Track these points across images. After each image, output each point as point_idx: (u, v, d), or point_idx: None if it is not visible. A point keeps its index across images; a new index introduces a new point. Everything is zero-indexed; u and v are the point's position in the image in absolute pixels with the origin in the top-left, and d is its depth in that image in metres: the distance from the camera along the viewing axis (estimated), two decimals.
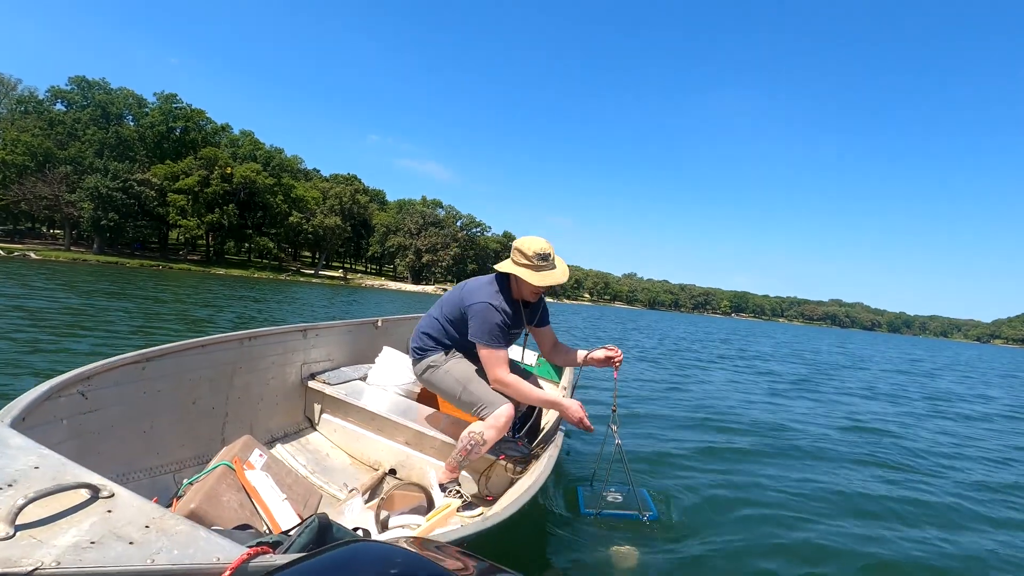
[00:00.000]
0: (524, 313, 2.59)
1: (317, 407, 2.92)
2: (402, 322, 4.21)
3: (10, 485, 0.92)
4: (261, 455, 2.07)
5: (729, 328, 46.67)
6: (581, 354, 2.71)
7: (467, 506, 2.35)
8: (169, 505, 1.76)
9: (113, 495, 0.94)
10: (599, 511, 2.68)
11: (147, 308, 11.00)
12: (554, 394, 2.51)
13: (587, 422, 2.40)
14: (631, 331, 24.11)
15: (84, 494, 0.93)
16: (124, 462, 1.82)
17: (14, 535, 0.81)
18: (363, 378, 3.10)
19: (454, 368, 2.50)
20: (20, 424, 1.22)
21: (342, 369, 3.17)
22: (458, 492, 2.41)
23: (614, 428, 2.54)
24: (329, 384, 2.88)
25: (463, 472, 2.49)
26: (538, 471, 1.99)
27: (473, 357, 2.54)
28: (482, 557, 0.79)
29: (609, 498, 2.78)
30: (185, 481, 1.87)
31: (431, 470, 2.49)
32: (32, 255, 34.02)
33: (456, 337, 2.54)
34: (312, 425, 2.94)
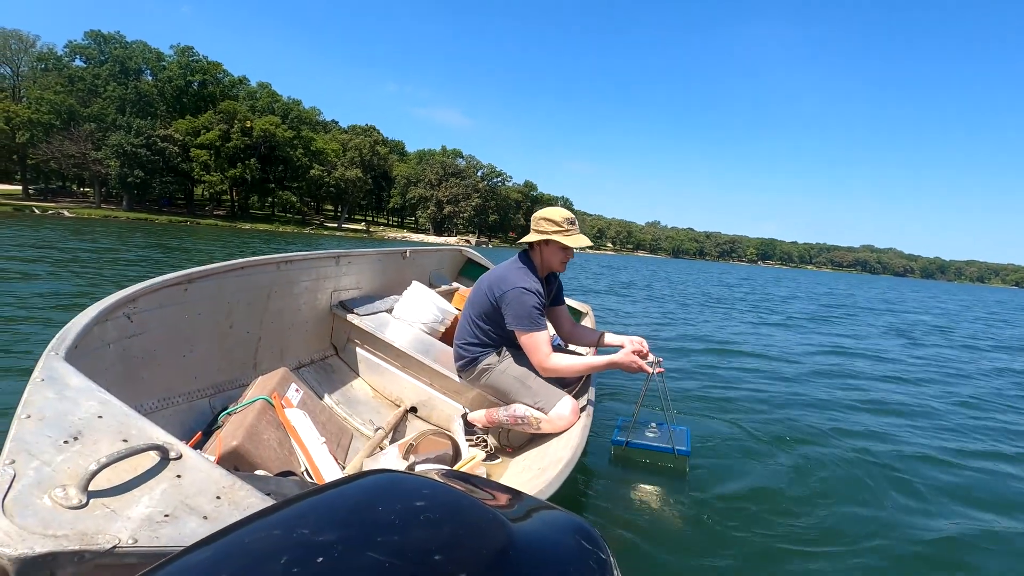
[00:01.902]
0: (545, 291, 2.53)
1: (344, 336, 2.99)
2: (428, 253, 4.33)
3: (75, 438, 0.89)
4: (297, 390, 2.14)
5: (740, 276, 45.88)
6: (616, 339, 2.62)
7: (489, 456, 2.43)
8: (209, 434, 1.84)
9: (181, 456, 0.93)
10: (629, 440, 2.67)
11: (197, 257, 11.30)
12: (600, 356, 2.46)
13: (645, 366, 2.35)
14: (659, 280, 23.84)
15: (154, 456, 0.91)
16: (165, 387, 1.85)
17: (87, 503, 0.78)
18: (389, 310, 3.17)
19: (511, 367, 2.44)
20: (73, 354, 1.19)
21: (370, 298, 3.23)
22: (484, 441, 2.49)
23: (658, 361, 2.43)
24: (357, 314, 2.93)
25: None
26: (574, 442, 1.99)
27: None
28: (525, 492, 0.77)
29: (647, 432, 2.75)
30: (223, 411, 1.94)
31: (457, 418, 2.56)
32: (65, 212, 34.90)
33: (499, 334, 2.47)
34: (337, 353, 3.02)
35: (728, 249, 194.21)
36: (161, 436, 0.95)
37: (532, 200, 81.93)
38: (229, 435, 1.72)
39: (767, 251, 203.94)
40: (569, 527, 0.65)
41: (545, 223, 2.41)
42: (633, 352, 2.40)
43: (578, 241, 2.43)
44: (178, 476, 0.89)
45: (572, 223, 2.42)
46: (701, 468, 2.78)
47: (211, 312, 2.09)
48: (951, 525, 2.43)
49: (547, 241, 2.42)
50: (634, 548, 2.06)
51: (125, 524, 0.78)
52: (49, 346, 1.16)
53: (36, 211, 33.92)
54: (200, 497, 0.87)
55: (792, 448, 3.18)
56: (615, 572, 0.61)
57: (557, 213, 2.42)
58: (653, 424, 2.81)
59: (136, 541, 0.76)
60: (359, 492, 0.61)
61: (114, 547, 0.74)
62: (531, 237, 2.45)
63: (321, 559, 0.47)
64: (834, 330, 9.83)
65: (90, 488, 0.80)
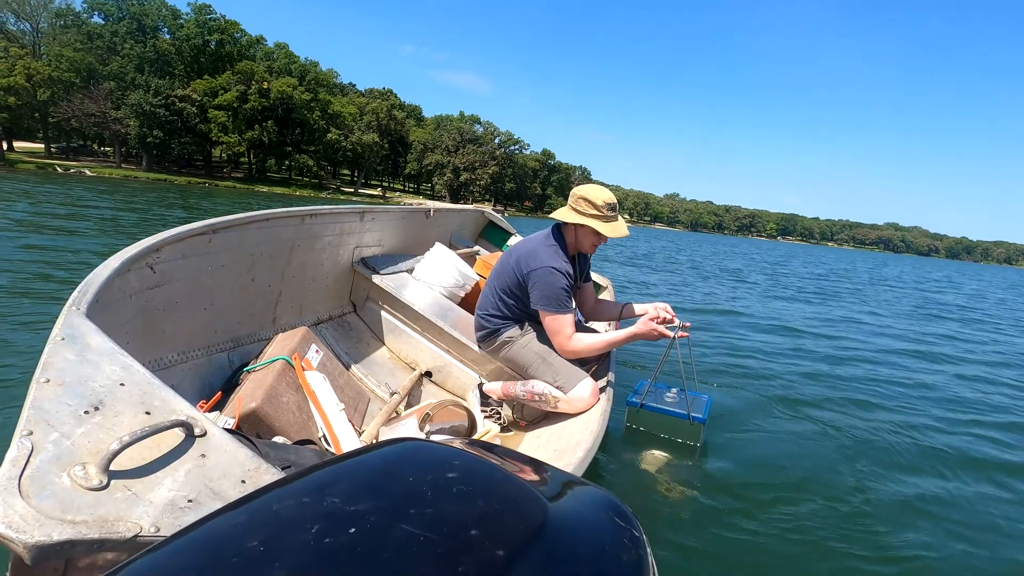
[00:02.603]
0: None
1: (363, 293, 2.98)
2: (451, 213, 4.29)
3: (96, 408, 0.84)
4: (318, 351, 2.13)
5: (751, 251, 45.18)
6: (639, 307, 2.50)
7: (503, 429, 2.41)
8: (228, 391, 1.84)
9: (205, 433, 0.89)
10: (644, 403, 2.63)
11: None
12: (620, 330, 2.37)
13: (666, 331, 2.24)
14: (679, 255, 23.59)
15: (178, 433, 0.86)
16: (185, 340, 1.83)
17: (108, 484, 0.74)
18: (410, 271, 3.15)
19: (532, 343, 2.38)
20: (95, 308, 1.13)
21: (392, 257, 3.21)
22: (497, 413, 2.47)
23: (683, 325, 2.32)
24: (377, 272, 2.92)
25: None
26: (595, 428, 1.93)
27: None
28: (553, 465, 0.75)
29: (666, 396, 2.70)
30: (242, 366, 1.94)
31: (474, 388, 2.55)
32: (87, 171, 35.23)
33: (523, 309, 2.40)
34: (356, 310, 3.02)
35: (747, 224, 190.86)
36: (185, 409, 0.92)
37: (549, 169, 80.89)
38: (248, 396, 1.72)
39: (787, 227, 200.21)
40: (603, 504, 0.64)
41: (585, 204, 2.26)
42: (655, 319, 2.28)
43: (616, 230, 2.28)
44: (202, 456, 0.86)
45: (613, 209, 2.27)
46: (715, 438, 2.77)
47: (234, 264, 2.05)
48: (972, 492, 2.40)
49: (583, 224, 2.28)
50: (638, 512, 2.06)
51: (147, 510, 0.74)
52: (70, 300, 1.10)
53: (59, 169, 34.27)
54: (225, 480, 0.84)
55: (815, 424, 3.18)
56: (647, 549, 0.59)
57: (599, 195, 2.26)
58: (673, 390, 2.76)
59: (159, 529, 0.72)
60: (388, 461, 0.60)
61: (136, 536, 0.70)
62: (567, 216, 2.31)
63: (353, 529, 0.46)
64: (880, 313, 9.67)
65: (111, 468, 0.75)
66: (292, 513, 0.48)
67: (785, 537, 2.02)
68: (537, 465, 0.72)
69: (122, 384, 0.91)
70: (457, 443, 0.70)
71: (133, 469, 0.78)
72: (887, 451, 2.92)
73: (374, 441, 1.55)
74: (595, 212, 2.25)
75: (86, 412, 0.83)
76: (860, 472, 2.62)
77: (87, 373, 0.90)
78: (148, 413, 0.88)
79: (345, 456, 0.61)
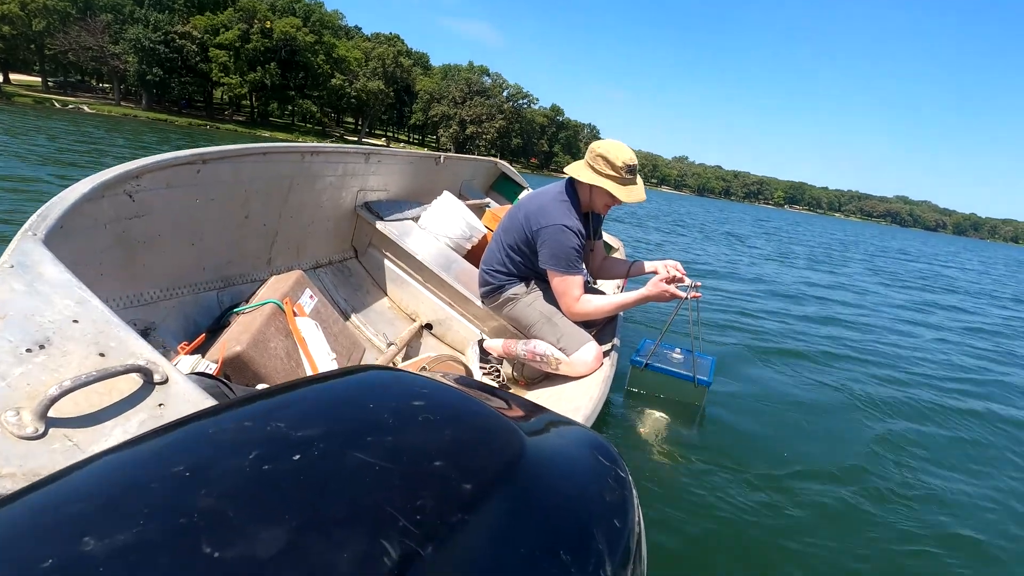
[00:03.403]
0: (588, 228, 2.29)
1: (365, 239, 2.88)
2: (462, 162, 4.10)
3: (42, 347, 0.74)
4: (312, 296, 2.04)
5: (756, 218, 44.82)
6: (648, 265, 2.38)
7: (501, 387, 2.33)
8: (215, 334, 1.76)
9: (167, 380, 0.79)
10: (649, 363, 2.56)
11: None
12: (630, 292, 2.24)
13: (678, 292, 2.10)
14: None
15: (135, 379, 0.77)
16: (170, 276, 1.75)
17: (45, 433, 0.65)
18: (416, 219, 3.03)
19: (538, 301, 2.28)
20: (57, 234, 1.01)
21: (397, 204, 3.09)
22: (496, 371, 2.40)
23: (694, 285, 2.17)
24: (381, 219, 2.81)
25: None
26: (596, 394, 1.84)
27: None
28: (540, 404, 0.68)
29: (672, 356, 2.64)
30: (230, 308, 1.86)
31: (473, 343, 2.48)
32: (85, 108, 34.50)
33: (530, 267, 2.28)
34: (357, 256, 2.93)
35: (755, 191, 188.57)
36: (145, 353, 0.80)
37: (557, 126, 79.25)
38: (234, 339, 1.63)
39: (795, 195, 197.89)
40: (587, 442, 0.60)
41: (603, 163, 2.10)
42: (666, 279, 2.14)
43: (632, 195, 2.12)
44: (160, 405, 0.75)
45: (632, 172, 2.10)
46: (719, 402, 2.73)
47: (226, 198, 1.94)
48: (971, 484, 2.37)
49: (597, 185, 2.13)
50: (637, 473, 2.02)
51: None
52: (26, 224, 0.97)
53: (56, 104, 33.54)
54: None
55: (819, 392, 3.19)
56: (632, 491, 0.56)
57: (619, 155, 2.08)
58: (678, 350, 2.69)
59: None
60: (348, 387, 0.55)
61: None
62: (582, 173, 2.15)
63: (298, 456, 0.41)
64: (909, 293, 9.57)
65: (50, 414, 0.66)
66: (229, 438, 0.43)
67: (782, 509, 1.99)
68: (519, 401, 0.66)
69: (75, 321, 0.80)
70: (439, 376, 0.63)
71: (78, 417, 0.69)
72: (888, 415, 2.94)
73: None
74: (612, 173, 2.09)
75: (28, 350, 0.73)
76: (859, 437, 2.63)
77: (35, 306, 0.79)
78: (102, 355, 0.78)
79: (300, 381, 0.55)
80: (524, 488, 0.46)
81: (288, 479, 0.39)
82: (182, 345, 1.62)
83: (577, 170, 2.18)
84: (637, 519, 0.53)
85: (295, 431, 0.44)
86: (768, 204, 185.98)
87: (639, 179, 2.18)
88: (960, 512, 2.13)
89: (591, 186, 2.16)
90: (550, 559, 0.41)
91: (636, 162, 2.11)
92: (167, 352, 1.57)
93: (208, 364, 1.48)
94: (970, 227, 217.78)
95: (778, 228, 25.10)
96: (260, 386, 1.52)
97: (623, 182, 2.10)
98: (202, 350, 1.66)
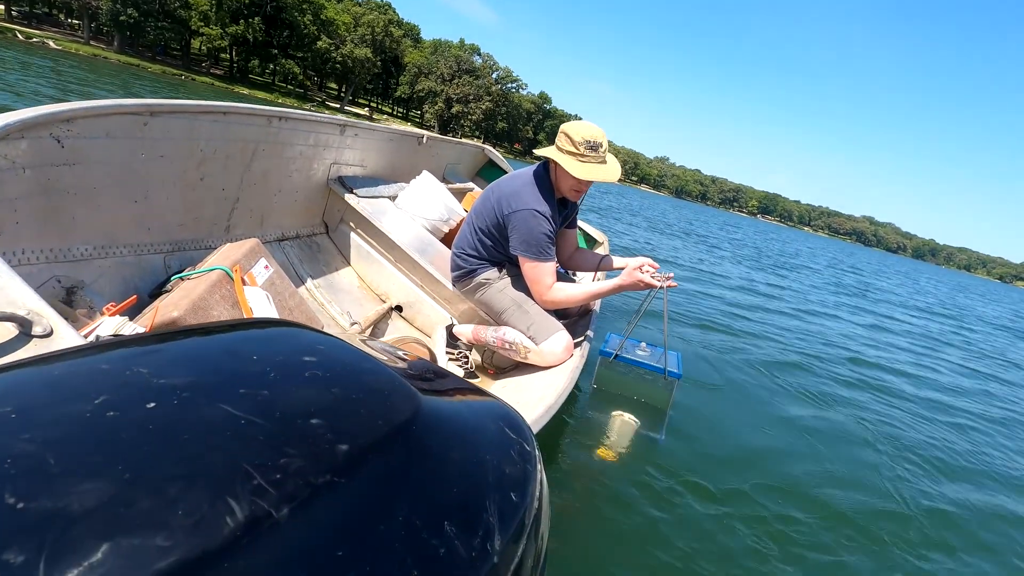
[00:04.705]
0: (560, 215, 2.22)
1: (337, 215, 2.77)
2: (447, 144, 3.97)
3: None
4: (267, 267, 1.91)
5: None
6: (619, 261, 2.34)
7: (468, 375, 2.27)
8: (154, 297, 1.64)
9: (50, 334, 0.70)
10: (618, 354, 2.49)
11: None
12: (605, 281, 2.20)
13: (653, 281, 2.02)
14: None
15: (10, 329, 0.68)
16: (105, 233, 1.62)
17: None
18: (392, 197, 2.92)
19: (509, 288, 2.22)
20: None
21: (374, 180, 2.97)
22: (465, 358, 2.32)
23: (668, 276, 2.09)
24: (356, 195, 2.69)
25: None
26: (561, 385, 1.78)
27: None
28: (456, 375, 0.65)
29: (638, 351, 2.59)
30: (176, 274, 1.73)
31: (441, 327, 2.39)
32: (51, 43, 32.62)
33: (502, 252, 2.22)
34: (327, 232, 2.82)
35: (731, 197, 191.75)
36: (29, 303, 0.73)
37: (544, 113, 78.86)
38: (171, 304, 1.50)
39: (769, 206, 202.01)
40: (494, 413, 0.56)
41: (564, 139, 2.02)
42: (639, 268, 2.07)
43: (589, 173, 1.99)
44: None
45: (593, 148, 1.99)
46: (688, 395, 2.76)
47: (178, 156, 1.81)
48: (947, 489, 2.43)
49: (557, 163, 2.05)
50: (598, 467, 2.01)
51: None
52: None
53: (20, 36, 31.59)
54: None
55: (785, 387, 3.39)
56: (537, 467, 0.53)
57: (580, 131, 1.99)
58: (644, 344, 2.64)
59: None
60: (237, 338, 0.50)
61: None
62: (544, 150, 2.10)
63: (153, 404, 0.37)
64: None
65: None
66: (78, 381, 0.39)
67: (755, 509, 1.99)
68: (434, 369, 0.61)
69: None
70: (343, 336, 0.58)
71: None
72: (846, 414, 3.03)
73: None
74: (571, 149, 2.00)
75: None
76: (821, 434, 2.73)
77: None
78: None
79: (188, 328, 0.51)
80: (411, 454, 0.43)
81: (132, 428, 0.35)
82: (109, 306, 1.48)
83: (547, 150, 2.13)
84: (538, 495, 0.51)
85: (158, 378, 0.39)
86: (742, 212, 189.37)
87: (610, 160, 2.08)
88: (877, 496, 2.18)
89: (556, 167, 2.10)
90: (432, 527, 0.39)
91: (600, 140, 2.01)
92: (92, 312, 1.44)
93: (135, 328, 1.35)
94: (928, 252, 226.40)
95: (744, 239, 25.59)
96: None
97: (582, 158, 2.01)
98: (133, 313, 1.53)
